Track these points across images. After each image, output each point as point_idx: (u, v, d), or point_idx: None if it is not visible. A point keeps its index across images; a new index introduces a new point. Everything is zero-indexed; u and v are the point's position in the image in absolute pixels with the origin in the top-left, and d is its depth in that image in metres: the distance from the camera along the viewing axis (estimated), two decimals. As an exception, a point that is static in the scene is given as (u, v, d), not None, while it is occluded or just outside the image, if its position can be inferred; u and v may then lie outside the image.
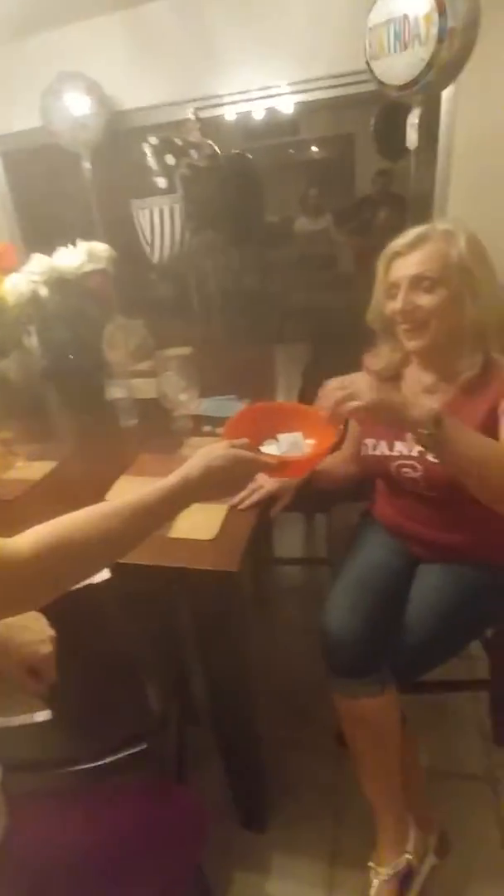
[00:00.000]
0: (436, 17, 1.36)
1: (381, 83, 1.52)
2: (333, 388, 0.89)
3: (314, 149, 5.47)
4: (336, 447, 1.29)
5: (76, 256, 1.31)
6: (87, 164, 2.27)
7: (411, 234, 1.07)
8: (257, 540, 1.98)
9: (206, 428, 1.49)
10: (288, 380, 1.84)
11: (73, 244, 1.54)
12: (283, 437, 0.95)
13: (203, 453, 0.79)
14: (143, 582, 0.94)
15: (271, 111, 2.74)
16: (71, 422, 1.59)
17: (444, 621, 1.10)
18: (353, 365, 1.34)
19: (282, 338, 2.61)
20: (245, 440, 0.83)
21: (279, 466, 0.84)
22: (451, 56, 1.40)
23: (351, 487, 1.39)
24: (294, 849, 1.29)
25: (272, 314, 3.19)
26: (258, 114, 2.91)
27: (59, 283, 1.29)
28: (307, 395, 1.75)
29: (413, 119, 1.56)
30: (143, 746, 1.01)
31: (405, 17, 1.40)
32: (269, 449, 0.94)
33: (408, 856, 1.10)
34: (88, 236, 2.41)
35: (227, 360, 2.15)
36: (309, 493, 1.33)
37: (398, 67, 1.45)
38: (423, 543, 1.20)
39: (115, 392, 1.53)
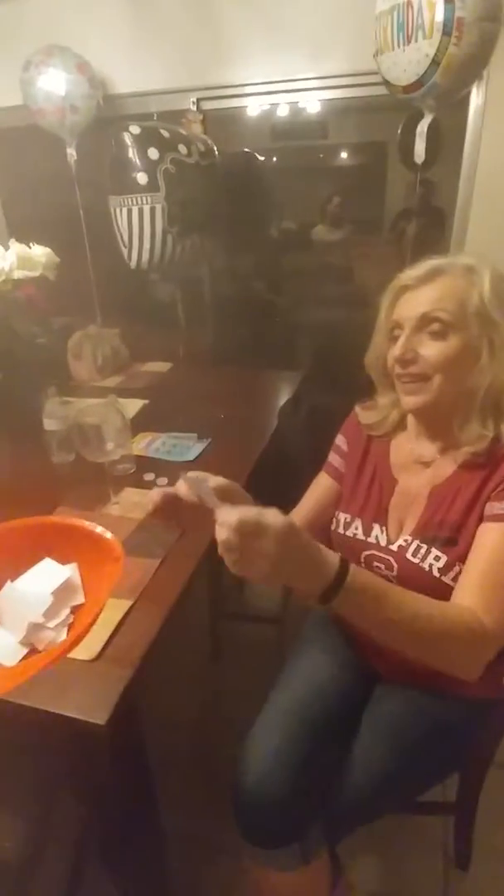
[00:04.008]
0: (441, 3, 1.10)
1: (386, 82, 1.27)
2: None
3: (343, 154, 5.22)
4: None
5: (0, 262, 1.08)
6: (71, 152, 2.05)
7: (425, 265, 0.84)
8: (215, 597, 1.78)
9: (148, 476, 1.25)
10: (263, 417, 1.60)
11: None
12: (36, 579, 0.62)
13: None
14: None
15: (295, 110, 2.54)
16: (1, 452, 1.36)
17: (398, 764, 0.86)
18: (340, 406, 1.10)
19: (275, 361, 2.36)
20: None
21: None
22: (461, 53, 1.14)
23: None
24: None
25: (273, 330, 2.95)
26: (282, 112, 2.72)
27: (-20, 291, 1.07)
28: (280, 442, 1.50)
29: (421, 128, 1.32)
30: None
31: (408, 2, 1.14)
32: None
33: None
34: (72, 232, 2.23)
35: (203, 384, 1.92)
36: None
37: (402, 64, 1.20)
38: (385, 659, 0.95)
39: (52, 422, 1.30)
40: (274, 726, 0.88)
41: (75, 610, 0.61)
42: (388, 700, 0.93)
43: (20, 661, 0.70)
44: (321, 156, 5.38)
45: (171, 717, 1.52)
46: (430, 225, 2.82)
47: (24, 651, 0.71)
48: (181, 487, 0.70)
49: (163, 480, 1.23)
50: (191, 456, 1.34)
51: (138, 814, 0.89)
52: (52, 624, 0.60)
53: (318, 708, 0.91)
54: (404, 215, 3.40)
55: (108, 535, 0.65)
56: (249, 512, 0.58)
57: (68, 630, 0.70)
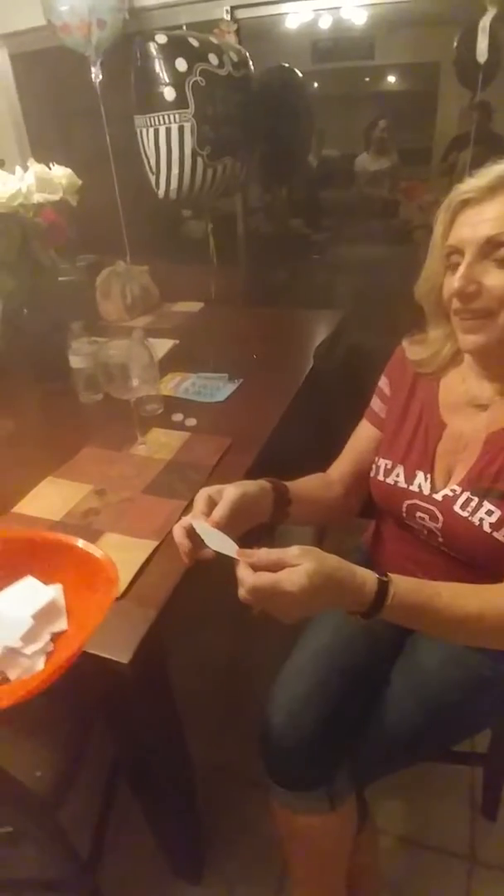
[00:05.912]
0: None
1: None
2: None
3: (391, 77, 4.80)
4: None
5: (16, 183, 1.00)
6: (97, 72, 1.91)
7: (491, 172, 0.70)
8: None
9: (177, 417, 1.20)
10: (299, 357, 1.51)
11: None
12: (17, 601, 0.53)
13: None
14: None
15: (338, 25, 2.32)
16: (27, 393, 1.33)
17: (430, 717, 0.82)
18: (383, 347, 1.01)
19: (313, 300, 2.24)
20: None
21: None
22: None
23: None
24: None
25: (311, 268, 2.80)
26: (324, 27, 2.49)
27: (-4, 216, 0.99)
28: (316, 385, 1.42)
29: (484, 22, 1.16)
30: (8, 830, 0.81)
31: None
32: None
33: None
34: (100, 163, 2.11)
35: (235, 324, 1.84)
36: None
37: None
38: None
39: (77, 359, 1.25)
40: (304, 670, 0.85)
41: (56, 638, 0.55)
42: (421, 651, 0.88)
43: None
44: (367, 79, 4.97)
45: (197, 662, 1.53)
46: (487, 154, 2.58)
47: None
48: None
49: (191, 421, 1.18)
50: (221, 397, 1.28)
51: (166, 746, 0.90)
52: (29, 650, 0.53)
53: (348, 654, 0.87)
54: (457, 143, 3.12)
55: (100, 553, 0.57)
56: (262, 578, 0.56)
57: (46, 659, 0.59)
